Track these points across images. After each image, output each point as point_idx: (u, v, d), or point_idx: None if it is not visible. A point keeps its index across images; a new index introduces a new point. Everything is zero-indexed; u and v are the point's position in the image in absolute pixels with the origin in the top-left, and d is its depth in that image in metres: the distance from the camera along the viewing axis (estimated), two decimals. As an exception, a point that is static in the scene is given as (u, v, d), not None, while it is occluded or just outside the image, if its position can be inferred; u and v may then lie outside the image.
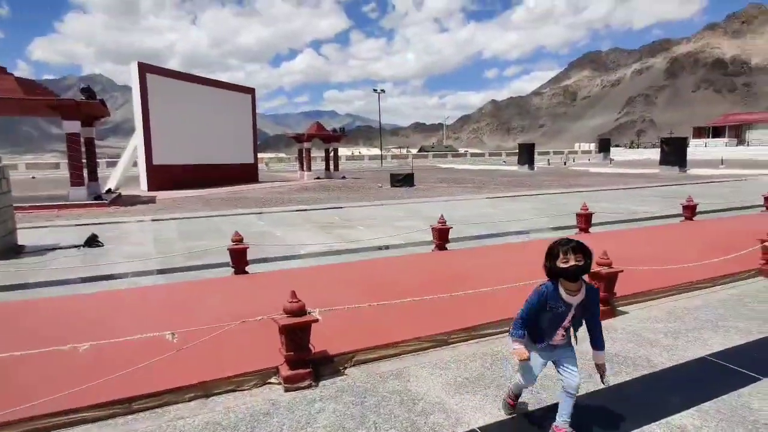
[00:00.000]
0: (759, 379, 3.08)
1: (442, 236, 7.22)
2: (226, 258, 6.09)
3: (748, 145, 55.76)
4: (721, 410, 2.71)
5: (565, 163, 49.54)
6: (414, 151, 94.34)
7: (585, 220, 8.35)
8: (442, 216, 7.30)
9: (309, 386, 3.21)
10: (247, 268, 6.00)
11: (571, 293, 2.29)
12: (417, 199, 16.18)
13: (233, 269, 5.95)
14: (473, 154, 77.95)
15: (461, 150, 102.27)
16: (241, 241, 5.84)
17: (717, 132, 61.85)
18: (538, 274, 4.32)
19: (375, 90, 60.00)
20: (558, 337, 2.39)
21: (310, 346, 3.28)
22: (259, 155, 38.22)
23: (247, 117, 30.27)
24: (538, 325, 2.38)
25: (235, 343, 3.62)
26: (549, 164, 47.82)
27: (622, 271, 4.34)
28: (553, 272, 2.28)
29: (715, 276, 5.23)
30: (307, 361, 3.27)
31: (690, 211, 9.27)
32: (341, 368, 3.50)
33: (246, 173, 28.52)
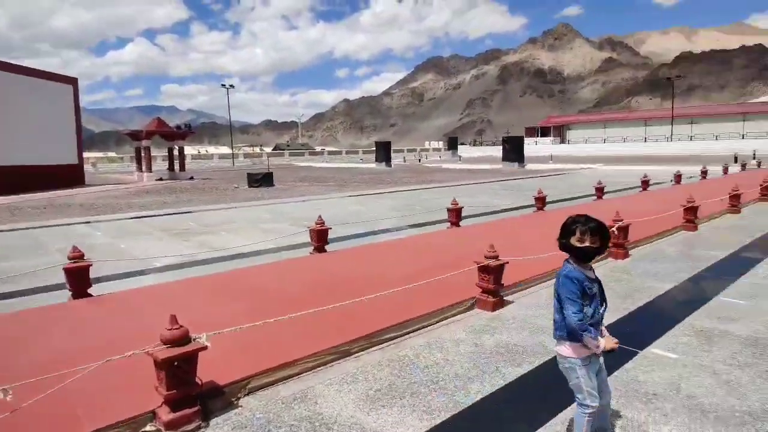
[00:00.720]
0: (636, 353, 3.58)
1: (320, 238, 6.98)
2: (56, 279, 4.94)
3: (569, 142, 67.38)
4: (618, 387, 3.04)
5: (419, 161, 53.24)
6: (268, 149, 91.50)
7: (455, 214, 8.95)
8: (320, 217, 7.07)
9: (198, 429, 2.73)
10: (90, 290, 4.97)
11: (588, 269, 2.25)
12: (279, 199, 15.59)
13: (71, 293, 4.86)
14: (330, 152, 78.76)
15: (318, 148, 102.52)
16: (81, 257, 4.79)
17: (544, 131, 73.63)
18: (427, 273, 4.32)
19: (223, 85, 56.44)
20: (603, 324, 2.29)
21: (196, 379, 2.78)
22: (85, 155, 32.85)
23: (68, 111, 25.83)
24: (585, 317, 2.19)
25: (94, 389, 2.90)
26: (405, 161, 50.84)
27: (507, 262, 4.68)
28: (565, 248, 2.24)
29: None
30: (193, 397, 2.76)
31: (541, 202, 10.64)
32: (234, 400, 3.06)
33: (69, 175, 24.31)
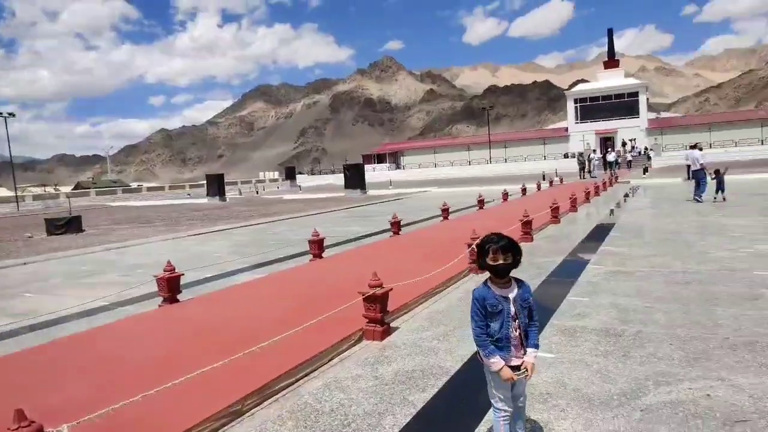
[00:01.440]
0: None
1: (172, 287, 6.26)
2: None
3: (404, 168, 73.06)
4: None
5: (257, 192, 51.85)
6: (67, 188, 79.09)
7: (318, 245, 8.92)
8: (169, 262, 6.34)
9: None
10: None
11: (503, 287, 2.48)
12: (98, 246, 13.54)
13: None
14: (151, 188, 71.70)
15: (134, 184, 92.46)
16: None
17: (380, 158, 78.75)
18: (304, 309, 4.31)
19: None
20: (514, 334, 2.47)
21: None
22: None
23: None
24: (492, 333, 2.47)
25: None
26: (241, 194, 49.00)
27: (392, 289, 4.83)
28: (482, 268, 2.50)
29: (445, 280, 6.51)
30: None
31: (397, 226, 11.27)
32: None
33: None
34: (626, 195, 19.56)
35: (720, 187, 14.39)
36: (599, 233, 10.29)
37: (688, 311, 4.86)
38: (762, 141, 53.88)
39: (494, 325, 2.47)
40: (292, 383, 3.81)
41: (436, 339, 4.60)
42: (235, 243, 12.71)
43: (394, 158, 79.84)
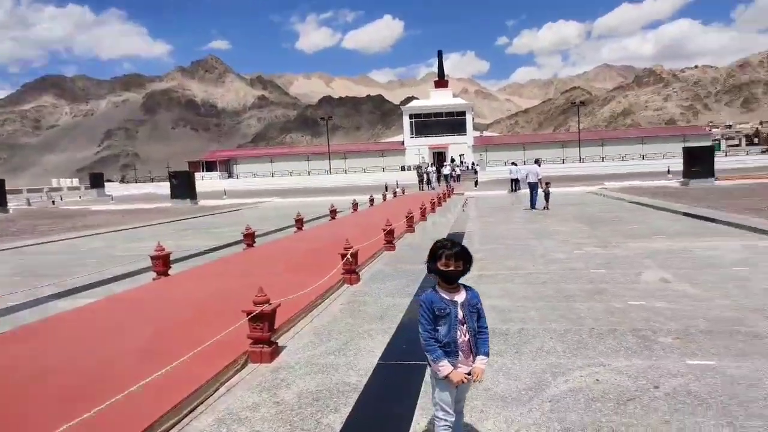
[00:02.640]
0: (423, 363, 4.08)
1: (-33, 321, 4.94)
2: None
3: (237, 177, 70.01)
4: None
5: (53, 203, 44.39)
6: None
7: (163, 262, 7.96)
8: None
9: None
10: None
11: (451, 292, 2.54)
12: None
13: None
14: None
15: None
16: None
17: (210, 166, 74.19)
18: (166, 333, 4.01)
19: None
20: (463, 339, 2.50)
21: None
22: None
23: None
24: (440, 338, 2.49)
25: None
26: (30, 205, 41.43)
27: (279, 305, 4.54)
28: (432, 272, 2.55)
29: (322, 292, 6.35)
30: None
31: (250, 238, 10.69)
32: None
33: None
34: (464, 205, 21.74)
35: (547, 197, 17.14)
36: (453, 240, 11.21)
37: (554, 307, 5.56)
38: (563, 160, 65.25)
39: (442, 330, 2.49)
40: (178, 422, 3.29)
41: (331, 354, 4.45)
42: (36, 264, 10.65)
43: (225, 166, 76.24)
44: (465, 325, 2.52)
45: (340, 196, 29.16)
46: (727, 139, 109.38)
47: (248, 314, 4.30)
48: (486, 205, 21.75)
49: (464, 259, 2.51)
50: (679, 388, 3.47)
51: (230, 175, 72.94)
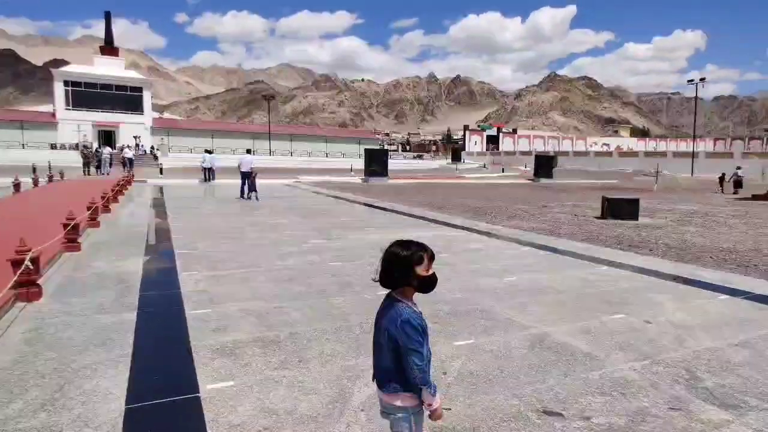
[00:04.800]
0: (195, 395, 3.28)
1: None
2: None
3: None
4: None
5: None
6: None
7: None
8: None
9: None
10: None
11: (414, 304, 2.15)
12: None
13: None
14: None
15: None
16: None
17: None
18: None
19: None
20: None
21: None
22: None
23: None
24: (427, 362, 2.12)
25: None
26: None
27: None
28: (404, 282, 2.08)
29: None
30: None
31: None
32: None
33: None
34: (157, 196, 19.57)
35: (252, 188, 17.18)
36: (160, 236, 9.85)
37: (313, 306, 5.38)
38: (254, 151, 66.40)
39: (425, 351, 2.10)
40: None
41: (39, 413, 3.13)
42: None
43: None
44: None
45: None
46: (388, 144, 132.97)
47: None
48: (182, 195, 20.12)
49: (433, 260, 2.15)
50: (462, 370, 3.77)
51: None
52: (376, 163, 32.58)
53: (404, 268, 2.06)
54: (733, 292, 6.36)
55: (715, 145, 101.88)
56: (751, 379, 3.88)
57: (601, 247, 9.35)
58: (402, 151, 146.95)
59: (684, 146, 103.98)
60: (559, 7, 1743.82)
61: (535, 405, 3.31)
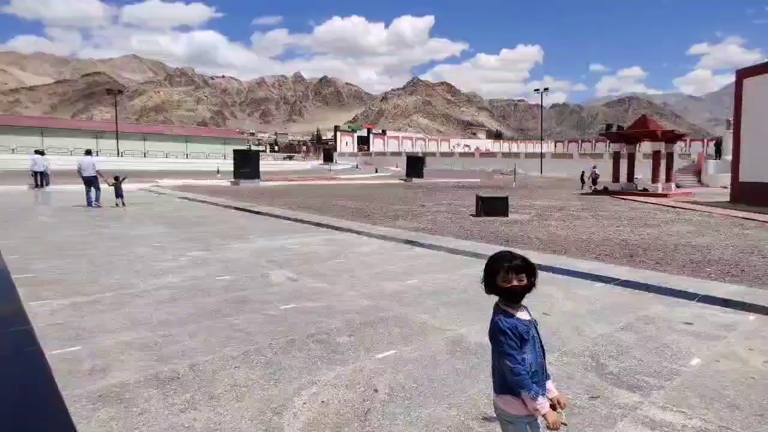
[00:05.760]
0: None
1: None
2: None
3: None
4: None
5: None
6: None
7: None
8: None
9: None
10: None
11: (520, 311, 2.26)
12: None
13: None
14: None
15: None
16: None
17: None
18: None
19: None
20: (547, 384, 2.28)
21: None
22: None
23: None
24: (528, 369, 2.19)
25: None
26: None
27: None
28: (493, 291, 2.25)
29: None
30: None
31: None
32: None
33: None
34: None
35: (119, 193, 15.60)
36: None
37: (210, 328, 4.83)
38: (98, 152, 59.83)
39: (529, 357, 2.20)
40: None
41: None
42: None
43: None
44: (541, 348, 2.28)
45: None
46: (256, 145, 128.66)
47: None
48: (8, 204, 17.33)
49: (527, 271, 2.22)
50: (393, 384, 3.63)
51: None
52: (246, 164, 31.25)
53: (488, 278, 2.24)
54: (606, 280, 7.05)
55: (555, 146, 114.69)
56: (643, 360, 4.27)
57: (485, 244, 9.85)
58: (271, 151, 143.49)
59: (531, 147, 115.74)
60: (419, 16, 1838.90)
61: (473, 412, 3.28)
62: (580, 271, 7.58)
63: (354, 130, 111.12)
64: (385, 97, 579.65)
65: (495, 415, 3.24)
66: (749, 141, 20.34)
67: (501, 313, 2.23)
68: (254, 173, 31.21)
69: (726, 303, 5.96)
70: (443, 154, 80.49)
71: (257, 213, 15.27)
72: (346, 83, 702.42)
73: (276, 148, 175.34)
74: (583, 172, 35.78)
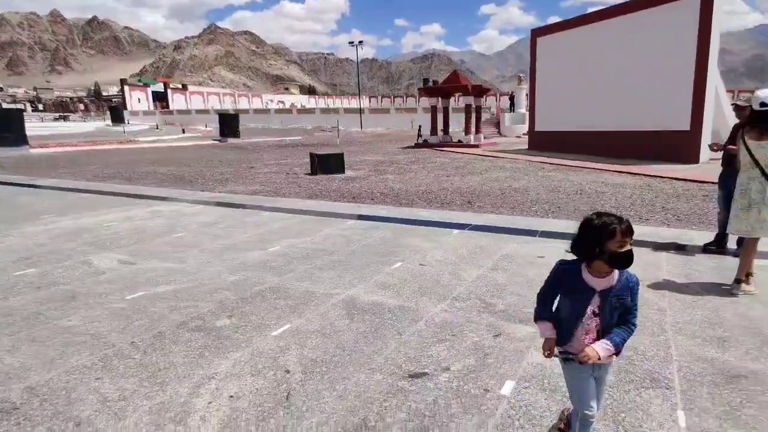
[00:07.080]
0: None
1: None
2: None
3: None
4: None
5: None
6: None
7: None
8: None
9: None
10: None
11: (599, 275, 2.10)
12: None
13: None
14: None
15: None
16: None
17: None
18: None
19: None
20: (581, 338, 2.16)
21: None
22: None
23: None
24: (560, 315, 2.23)
25: None
26: None
27: None
28: (594, 254, 2.05)
29: None
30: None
31: None
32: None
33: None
34: None
35: None
36: None
37: (37, 340, 3.91)
38: None
39: (564, 308, 2.21)
40: None
41: None
42: None
43: None
44: (597, 318, 2.12)
45: None
46: (8, 103, 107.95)
47: None
48: None
49: (631, 234, 2.06)
50: (303, 361, 3.35)
51: None
52: (6, 128, 26.08)
53: (594, 241, 2.03)
54: (460, 227, 7.53)
55: (370, 102, 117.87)
56: (521, 295, 4.66)
57: (334, 203, 9.76)
58: (34, 110, 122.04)
59: (347, 103, 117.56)
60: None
61: (399, 373, 3.22)
62: (435, 220, 7.96)
63: (147, 84, 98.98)
64: (178, 46, 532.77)
65: (422, 371, 3.25)
66: (542, 95, 23.29)
67: (572, 262, 2.16)
68: (19, 139, 26.27)
69: (562, 236, 6.76)
70: (257, 111, 77.50)
71: (40, 187, 12.87)
72: (126, 27, 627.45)
73: (41, 106, 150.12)
74: (420, 126, 37.40)
